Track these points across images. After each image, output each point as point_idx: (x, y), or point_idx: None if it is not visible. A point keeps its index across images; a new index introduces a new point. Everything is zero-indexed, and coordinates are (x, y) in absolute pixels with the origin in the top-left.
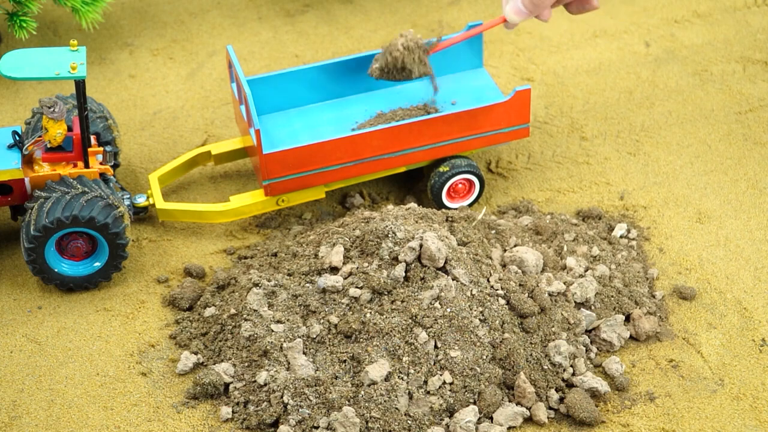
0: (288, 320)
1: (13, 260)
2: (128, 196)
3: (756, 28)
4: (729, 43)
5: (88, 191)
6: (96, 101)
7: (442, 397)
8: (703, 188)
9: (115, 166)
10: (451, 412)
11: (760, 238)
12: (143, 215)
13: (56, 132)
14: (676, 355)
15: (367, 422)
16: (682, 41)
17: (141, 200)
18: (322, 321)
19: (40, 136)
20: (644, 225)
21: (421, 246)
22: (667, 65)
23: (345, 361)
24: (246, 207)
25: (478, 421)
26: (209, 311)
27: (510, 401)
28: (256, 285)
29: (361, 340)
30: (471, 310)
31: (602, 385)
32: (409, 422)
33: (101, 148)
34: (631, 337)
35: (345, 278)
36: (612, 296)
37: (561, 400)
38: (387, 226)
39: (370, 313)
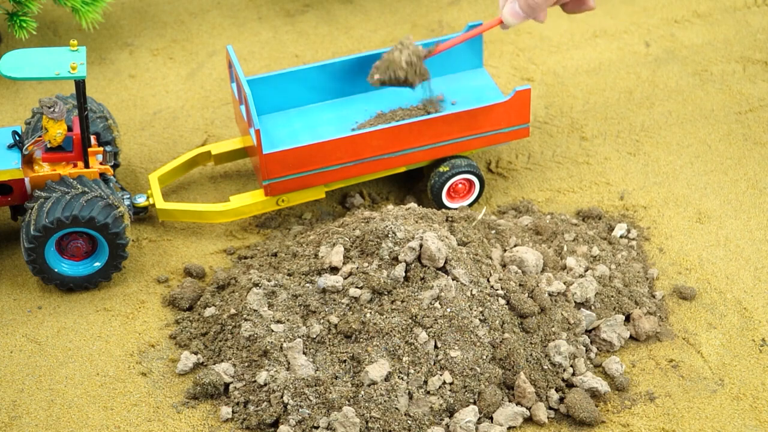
0: (288, 320)
1: (13, 260)
2: (128, 196)
3: (756, 28)
4: (729, 43)
5: (88, 191)
6: (96, 101)
7: (442, 397)
8: (703, 188)
9: (115, 166)
10: (451, 412)
11: (760, 238)
12: (143, 215)
13: (56, 132)
14: (676, 355)
15: (367, 422)
16: (682, 41)
17: (141, 200)
18: (322, 321)
19: (40, 136)
20: (644, 225)
21: (421, 246)
22: (667, 65)
23: (345, 361)
24: (246, 207)
25: (478, 421)
26: (209, 311)
27: (510, 401)
28: (256, 285)
29: (361, 340)
30: (471, 310)
31: (602, 385)
32: (409, 422)
33: (101, 148)
34: (631, 337)
35: (345, 278)
36: (612, 296)
37: (561, 400)
38: (387, 226)
39: (370, 313)
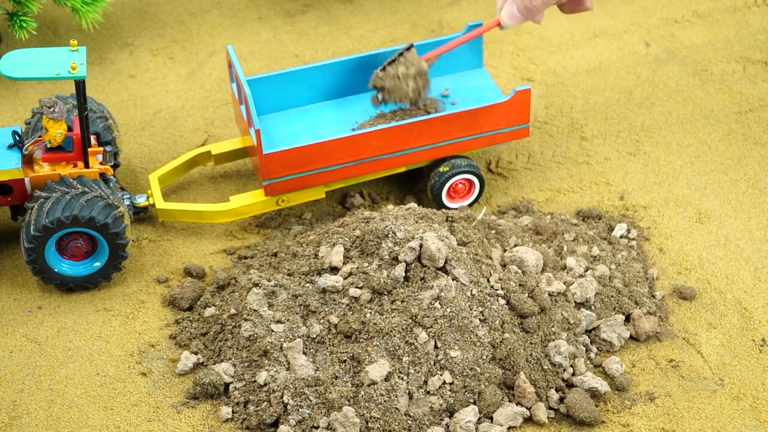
0: (288, 320)
1: (13, 260)
2: (128, 196)
3: (756, 28)
4: (729, 43)
5: (88, 191)
6: (96, 101)
7: (442, 397)
8: (703, 188)
9: (115, 166)
10: (451, 412)
11: (760, 238)
12: (143, 215)
13: (56, 132)
14: (676, 355)
15: (367, 422)
16: (682, 41)
17: (141, 200)
18: (322, 321)
19: (40, 136)
20: (644, 225)
21: (421, 246)
22: (667, 65)
23: (345, 361)
24: (246, 207)
25: (478, 421)
26: (209, 311)
27: (510, 401)
28: (256, 285)
29: (361, 340)
30: (471, 310)
31: (602, 385)
32: (409, 422)
33: (101, 148)
34: (631, 337)
35: (345, 278)
36: (612, 296)
37: (561, 400)
38: (387, 226)
39: (370, 313)
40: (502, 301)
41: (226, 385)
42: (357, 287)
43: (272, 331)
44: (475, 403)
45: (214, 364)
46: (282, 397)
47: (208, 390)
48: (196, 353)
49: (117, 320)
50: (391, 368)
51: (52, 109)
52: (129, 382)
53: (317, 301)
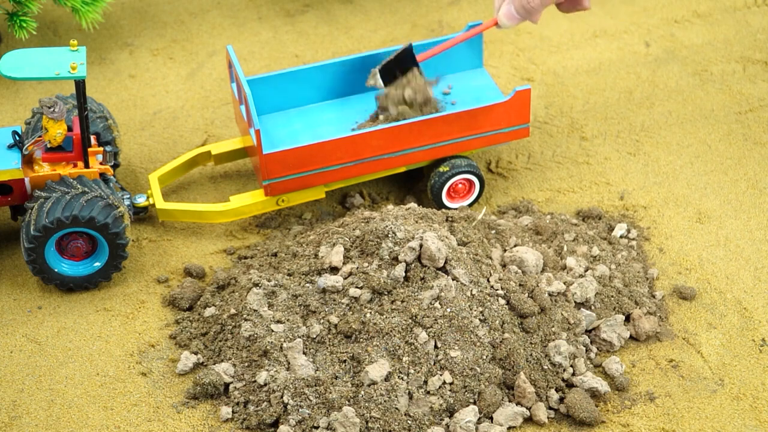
0: (288, 320)
1: (13, 260)
2: (128, 196)
3: (756, 28)
4: (729, 43)
5: (88, 191)
6: (96, 101)
7: (442, 397)
8: (703, 188)
9: (115, 166)
10: (451, 412)
11: (760, 238)
12: (143, 215)
13: (56, 132)
14: (676, 355)
15: (367, 422)
16: (682, 41)
17: (141, 200)
18: (322, 321)
19: (40, 136)
20: (644, 225)
21: (421, 246)
22: (667, 65)
23: (345, 361)
24: (246, 207)
25: (478, 421)
26: (209, 311)
27: (510, 401)
28: (256, 285)
29: (361, 340)
30: (471, 310)
31: (602, 385)
32: (409, 422)
33: (101, 148)
34: (631, 337)
35: (345, 278)
36: (612, 296)
37: (561, 400)
38: (387, 226)
39: (370, 313)
40: (502, 301)
41: (226, 385)
42: (357, 287)
43: (272, 331)
44: (475, 403)
45: (214, 364)
46: (282, 397)
47: (208, 390)
48: (196, 353)
49: (117, 320)
50: (391, 368)
51: (52, 109)
52: (129, 382)
53: (317, 301)
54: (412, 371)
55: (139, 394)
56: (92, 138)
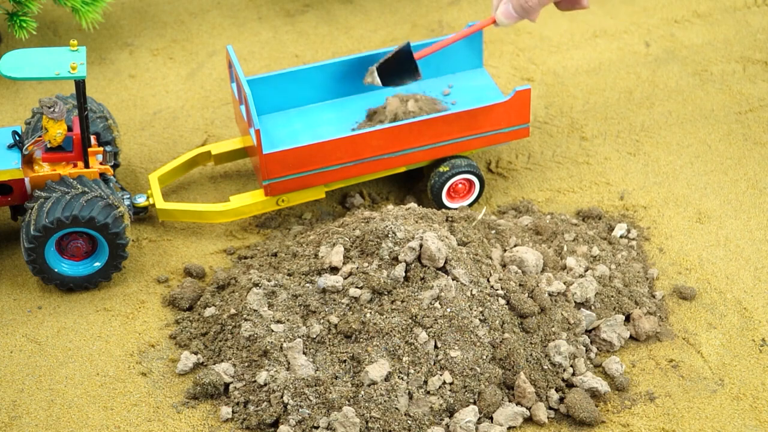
0: (288, 320)
1: (13, 260)
2: (128, 196)
3: (756, 28)
4: (729, 43)
5: (88, 191)
6: (96, 101)
7: (442, 397)
8: (703, 188)
9: (115, 166)
10: (451, 412)
11: (760, 238)
12: (143, 215)
13: (56, 132)
14: (676, 355)
15: (367, 422)
16: (682, 41)
17: (141, 200)
18: (322, 321)
19: (40, 136)
20: (644, 225)
21: (421, 246)
22: (667, 65)
23: (345, 361)
24: (246, 207)
25: (478, 421)
26: (209, 311)
27: (510, 401)
28: (256, 285)
29: (361, 340)
30: (471, 310)
31: (602, 385)
32: (409, 422)
33: (101, 148)
34: (631, 337)
35: (345, 278)
36: (612, 296)
37: (561, 400)
38: (387, 226)
39: (370, 313)
40: (502, 301)
41: (226, 385)
42: (357, 287)
43: (272, 331)
44: (475, 403)
45: (214, 364)
46: (282, 397)
47: (208, 390)
48: (196, 353)
49: (117, 320)
50: (391, 368)
51: (52, 109)
52: (129, 382)
53: (317, 301)
54: (412, 371)
55: (139, 394)
56: (92, 138)
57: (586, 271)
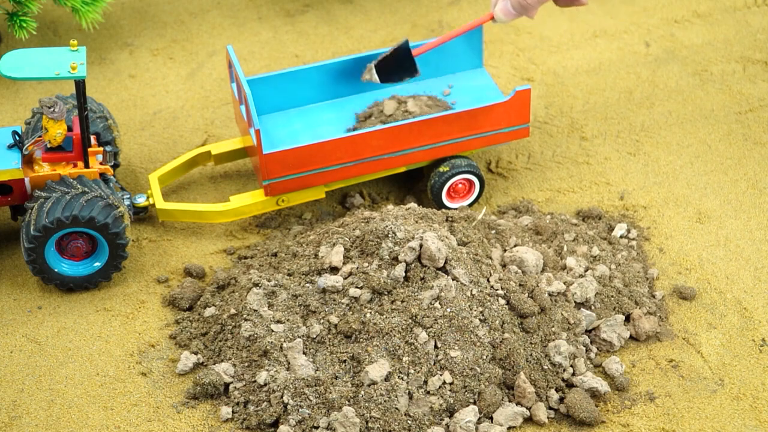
0: (288, 320)
1: (13, 260)
2: (128, 196)
3: (756, 28)
4: (729, 43)
5: (88, 191)
6: (96, 101)
7: (442, 397)
8: (703, 188)
9: (115, 166)
10: (451, 412)
11: (760, 238)
12: (143, 215)
13: (56, 132)
14: (676, 355)
15: (367, 422)
16: (682, 41)
17: (141, 200)
18: (322, 321)
19: (40, 136)
20: (644, 225)
21: (421, 246)
22: (667, 65)
23: (345, 361)
24: (246, 207)
25: (478, 421)
26: (209, 311)
27: (510, 401)
28: (256, 285)
29: (361, 340)
30: (471, 310)
31: (602, 385)
32: (409, 422)
33: (101, 148)
34: (631, 337)
35: (345, 278)
36: (612, 296)
37: (561, 400)
38: (387, 226)
39: (370, 313)
40: (502, 301)
41: (226, 385)
42: (357, 287)
43: (272, 331)
44: (475, 403)
45: (214, 364)
46: (282, 397)
47: (208, 390)
48: (196, 353)
49: (117, 320)
50: (391, 368)
51: (52, 109)
52: (129, 382)
53: (317, 301)
54: (412, 371)
55: (139, 394)
56: (92, 138)
57: (586, 271)
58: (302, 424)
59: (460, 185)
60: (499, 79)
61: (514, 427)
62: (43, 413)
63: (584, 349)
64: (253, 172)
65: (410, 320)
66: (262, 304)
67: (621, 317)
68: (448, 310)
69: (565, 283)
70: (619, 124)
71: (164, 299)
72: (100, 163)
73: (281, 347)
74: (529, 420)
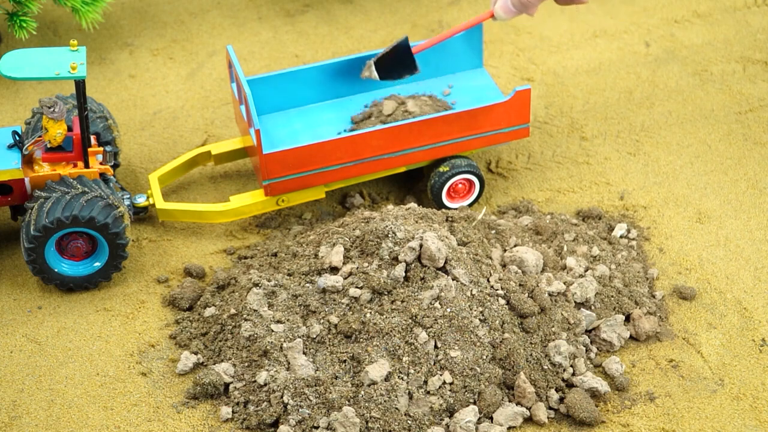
0: (288, 320)
1: (13, 260)
2: (128, 196)
3: (756, 28)
4: (729, 43)
5: (88, 191)
6: (96, 101)
7: (442, 397)
8: (703, 188)
9: (115, 166)
10: (451, 412)
11: (760, 238)
12: (143, 215)
13: (56, 132)
14: (676, 355)
15: (367, 422)
16: (682, 41)
17: (141, 200)
18: (322, 321)
19: (40, 136)
20: (644, 225)
21: (421, 246)
22: (667, 65)
23: (345, 361)
24: (246, 207)
25: (478, 421)
26: (209, 311)
27: (510, 401)
28: (256, 285)
29: (361, 340)
30: (471, 310)
31: (602, 385)
32: (409, 422)
33: (101, 148)
34: (631, 337)
35: (345, 278)
36: (612, 296)
37: (561, 400)
38: (387, 226)
39: (370, 313)
40: (502, 301)
41: (226, 385)
42: (357, 287)
43: (272, 331)
44: (475, 403)
45: (214, 364)
46: (282, 397)
47: (208, 390)
48: (196, 353)
49: (117, 320)
50: (391, 368)
51: (52, 109)
52: (129, 382)
53: (317, 301)
54: (412, 371)
55: (139, 394)
56: (92, 138)
57: (586, 271)
58: (302, 424)
59: (460, 185)
60: (499, 79)
61: (514, 427)
62: (43, 413)
63: (584, 349)
64: (253, 172)
65: (410, 320)
66: (262, 304)
67: (621, 317)
68: (448, 310)
69: (565, 283)
70: (619, 124)
71: (164, 299)
72: (100, 163)
73: (281, 347)
74: (529, 420)
